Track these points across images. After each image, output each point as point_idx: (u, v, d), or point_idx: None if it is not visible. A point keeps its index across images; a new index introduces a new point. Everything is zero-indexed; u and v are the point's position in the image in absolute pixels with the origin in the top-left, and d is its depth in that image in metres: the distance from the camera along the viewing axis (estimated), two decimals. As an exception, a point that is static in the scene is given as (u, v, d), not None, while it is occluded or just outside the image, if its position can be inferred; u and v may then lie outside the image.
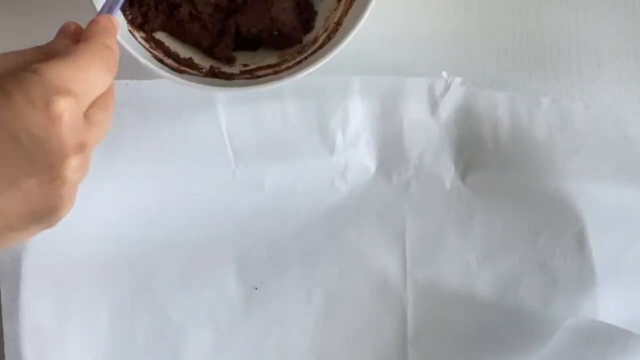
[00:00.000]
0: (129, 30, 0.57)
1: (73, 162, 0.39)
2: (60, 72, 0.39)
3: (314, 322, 0.62)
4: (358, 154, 0.63)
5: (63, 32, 0.45)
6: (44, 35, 0.46)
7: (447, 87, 0.63)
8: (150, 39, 0.59)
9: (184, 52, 0.60)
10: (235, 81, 0.57)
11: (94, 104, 0.42)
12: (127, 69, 0.54)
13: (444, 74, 0.63)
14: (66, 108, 0.38)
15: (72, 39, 0.45)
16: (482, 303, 0.62)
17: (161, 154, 0.61)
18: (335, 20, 0.59)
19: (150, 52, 0.57)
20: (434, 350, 0.62)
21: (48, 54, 0.43)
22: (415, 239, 0.63)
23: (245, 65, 0.60)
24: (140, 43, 0.57)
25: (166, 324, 0.61)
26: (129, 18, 0.58)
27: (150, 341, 0.61)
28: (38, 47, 0.44)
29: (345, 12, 0.59)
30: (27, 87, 0.38)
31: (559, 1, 0.65)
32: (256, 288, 0.62)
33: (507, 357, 0.62)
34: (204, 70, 0.58)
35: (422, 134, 0.63)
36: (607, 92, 0.65)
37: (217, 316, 0.62)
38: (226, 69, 0.59)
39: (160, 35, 0.60)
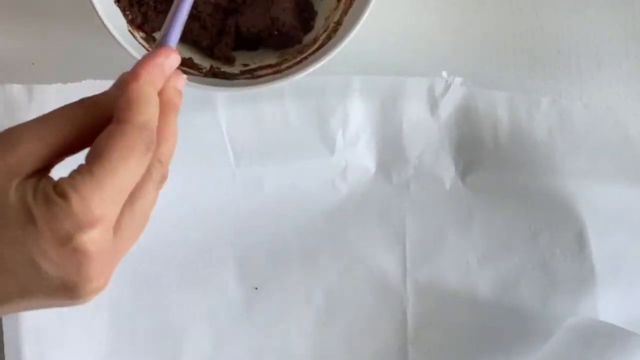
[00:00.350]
0: (129, 30, 0.57)
1: (94, 286, 0.38)
2: (86, 196, 0.36)
3: (314, 322, 0.62)
4: (358, 154, 0.63)
5: (117, 85, 0.41)
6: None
7: (447, 87, 0.63)
8: (150, 39, 0.59)
9: (183, 52, 0.60)
10: (235, 81, 0.57)
11: (124, 205, 0.38)
12: (127, 69, 0.54)
13: (444, 74, 0.63)
14: (92, 242, 0.36)
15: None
16: (482, 303, 0.63)
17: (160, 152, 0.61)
18: (335, 20, 0.59)
19: (150, 52, 0.57)
20: (434, 350, 0.62)
21: (102, 116, 0.39)
22: (415, 238, 0.63)
23: (245, 65, 0.60)
24: (140, 43, 0.57)
25: (166, 324, 0.61)
26: (129, 18, 0.58)
27: (150, 341, 0.61)
28: (83, 105, 0.40)
29: (345, 12, 0.59)
30: (52, 218, 0.36)
31: (559, 1, 0.65)
32: (256, 288, 0.62)
33: (507, 356, 0.62)
34: (204, 71, 0.58)
35: (422, 133, 0.63)
36: (607, 92, 0.65)
37: (217, 316, 0.62)
38: (226, 69, 0.59)
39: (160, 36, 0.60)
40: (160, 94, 0.41)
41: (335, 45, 0.55)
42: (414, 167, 0.64)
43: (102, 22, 0.52)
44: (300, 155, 0.62)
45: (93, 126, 0.39)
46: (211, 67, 0.59)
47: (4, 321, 0.59)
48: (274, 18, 0.60)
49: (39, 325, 0.59)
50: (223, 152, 0.62)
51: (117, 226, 0.38)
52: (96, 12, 0.52)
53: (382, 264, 0.63)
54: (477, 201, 0.63)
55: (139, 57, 0.52)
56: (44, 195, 0.36)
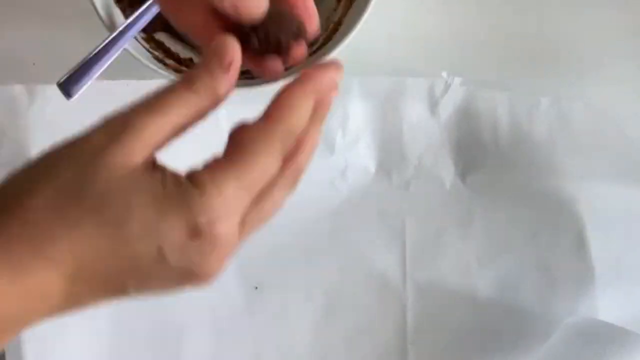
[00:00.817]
0: (129, 31, 0.57)
1: (212, 275, 0.36)
2: (227, 198, 0.35)
3: (313, 322, 0.63)
4: (358, 154, 0.63)
5: (217, 58, 0.40)
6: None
7: (447, 88, 0.63)
8: (150, 40, 0.59)
9: (184, 52, 0.60)
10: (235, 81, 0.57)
11: (252, 201, 0.37)
12: (128, 69, 0.54)
13: (444, 74, 0.63)
14: (222, 236, 0.35)
15: (230, 71, 0.40)
16: (481, 302, 0.63)
17: (161, 153, 0.61)
18: (335, 20, 0.59)
19: (151, 52, 0.57)
20: (434, 349, 0.62)
21: (212, 100, 0.40)
22: (415, 238, 0.63)
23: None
24: (141, 43, 0.57)
25: (167, 324, 0.62)
26: (130, 18, 0.58)
27: (150, 340, 0.61)
28: (191, 86, 0.39)
29: (345, 13, 0.59)
30: (187, 210, 0.34)
31: (559, 2, 0.65)
32: (256, 287, 0.62)
33: (506, 355, 0.62)
34: (204, 71, 0.58)
35: (422, 134, 0.63)
36: (607, 93, 0.65)
37: (217, 315, 0.62)
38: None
39: (160, 36, 0.60)
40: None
41: (335, 46, 0.55)
42: (414, 167, 0.64)
43: (103, 23, 0.52)
44: (300, 155, 0.62)
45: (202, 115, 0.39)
46: (212, 67, 0.59)
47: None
48: (274, 18, 0.60)
49: (39, 325, 0.59)
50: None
51: (242, 221, 0.37)
52: (97, 12, 0.53)
53: (382, 263, 0.63)
54: (477, 201, 0.64)
55: (140, 58, 0.52)
56: (177, 185, 0.35)
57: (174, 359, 0.61)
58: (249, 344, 0.62)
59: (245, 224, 0.37)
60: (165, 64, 0.56)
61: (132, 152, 0.35)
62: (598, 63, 0.65)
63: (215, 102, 0.40)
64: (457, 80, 0.63)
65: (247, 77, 0.58)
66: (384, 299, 0.63)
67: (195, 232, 0.34)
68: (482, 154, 0.64)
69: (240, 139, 0.38)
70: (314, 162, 0.61)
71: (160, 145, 0.37)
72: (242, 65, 0.40)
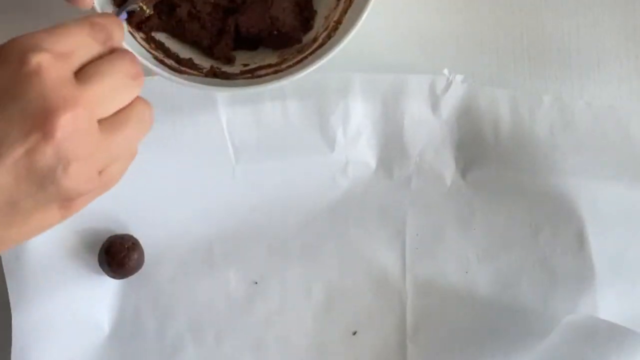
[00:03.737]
0: (129, 31, 0.57)
1: (60, 119, 0.36)
2: (38, 35, 0.38)
3: (313, 317, 0.63)
4: (359, 151, 0.63)
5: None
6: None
7: (448, 85, 0.63)
8: (150, 40, 0.59)
9: (184, 52, 0.60)
10: (235, 81, 0.57)
11: (89, 63, 0.40)
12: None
13: (446, 71, 0.63)
14: (42, 62, 0.37)
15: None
16: (481, 299, 0.63)
17: (162, 152, 0.61)
18: (335, 19, 0.59)
19: (150, 52, 0.57)
20: (433, 346, 0.62)
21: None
22: (416, 235, 0.63)
23: (245, 65, 0.60)
24: (140, 44, 0.57)
25: (168, 318, 0.62)
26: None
27: (151, 335, 0.62)
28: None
29: (344, 11, 0.59)
30: (2, 49, 0.38)
31: (560, 1, 0.65)
32: (256, 282, 0.63)
33: (506, 353, 0.62)
34: (204, 71, 0.58)
35: (423, 131, 0.63)
36: (607, 92, 0.65)
37: (218, 310, 0.62)
38: (226, 68, 0.59)
39: (160, 36, 0.60)
40: None
41: (335, 45, 0.55)
42: (415, 163, 0.64)
43: None
44: (301, 152, 0.63)
45: None
46: (211, 67, 0.59)
47: (12, 316, 0.59)
48: (274, 18, 0.60)
49: (45, 320, 0.60)
50: (224, 149, 0.62)
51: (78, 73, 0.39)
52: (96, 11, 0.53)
53: (382, 259, 0.63)
54: (478, 198, 0.64)
55: (140, 58, 0.52)
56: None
57: (174, 354, 0.62)
58: (249, 338, 0.62)
59: (83, 77, 0.39)
60: (164, 64, 0.56)
61: None
62: (598, 63, 0.65)
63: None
64: (459, 77, 0.63)
65: (247, 77, 0.58)
66: (383, 294, 0.63)
67: (16, 65, 0.37)
68: (483, 152, 0.63)
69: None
70: (315, 159, 0.62)
71: None
72: None
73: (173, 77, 0.54)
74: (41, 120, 0.36)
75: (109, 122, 0.40)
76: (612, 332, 0.57)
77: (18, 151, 0.36)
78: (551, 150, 0.63)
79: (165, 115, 0.61)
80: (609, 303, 0.62)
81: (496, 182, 0.63)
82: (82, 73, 0.39)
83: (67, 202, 0.39)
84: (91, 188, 0.40)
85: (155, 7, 0.59)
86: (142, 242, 0.61)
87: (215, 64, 0.59)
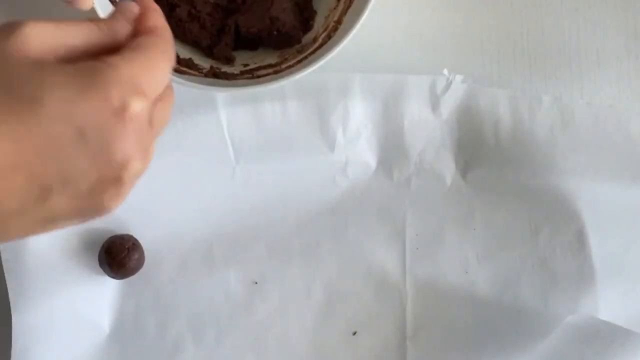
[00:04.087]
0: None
1: (136, 166, 0.37)
2: (136, 71, 0.36)
3: (313, 317, 0.63)
4: (359, 151, 0.63)
5: (124, 14, 0.41)
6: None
7: (448, 85, 0.63)
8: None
9: (184, 52, 0.60)
10: (235, 81, 0.57)
11: (156, 102, 0.39)
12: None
13: (446, 71, 0.63)
14: (141, 110, 0.36)
15: (133, 25, 0.41)
16: (481, 300, 0.63)
17: (162, 152, 0.61)
18: (335, 19, 0.59)
19: (150, 52, 0.57)
20: (433, 346, 0.62)
21: (113, 38, 0.39)
22: (416, 235, 0.63)
23: (245, 65, 0.60)
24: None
25: (167, 317, 0.62)
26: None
27: (151, 335, 0.62)
28: (98, 25, 0.39)
29: (344, 11, 0.59)
30: (103, 84, 0.35)
31: (560, 1, 0.65)
32: (256, 282, 0.63)
33: (506, 353, 0.62)
34: (204, 71, 0.58)
35: (423, 131, 0.63)
36: (607, 92, 0.65)
37: (217, 310, 0.62)
38: (226, 69, 0.59)
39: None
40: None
41: (335, 45, 0.55)
42: (414, 163, 0.64)
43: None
44: (301, 152, 0.63)
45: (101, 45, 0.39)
46: (211, 67, 0.59)
47: (12, 315, 0.59)
48: (274, 18, 0.60)
49: (46, 320, 0.60)
50: (224, 149, 0.62)
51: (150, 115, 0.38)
52: (96, 13, 0.53)
53: (382, 259, 0.63)
54: (478, 198, 0.64)
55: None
56: (95, 65, 0.36)
57: (174, 354, 0.62)
58: (249, 338, 0.62)
59: (153, 120, 0.38)
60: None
61: (28, 40, 0.35)
62: (598, 63, 0.65)
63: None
64: (459, 77, 0.63)
65: (247, 77, 0.58)
66: (383, 294, 0.63)
67: (116, 107, 0.35)
68: (483, 151, 0.63)
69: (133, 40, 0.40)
70: (315, 159, 0.62)
71: (60, 49, 0.37)
72: None
73: (173, 78, 0.54)
74: (120, 168, 0.36)
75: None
76: (612, 332, 0.57)
77: (85, 187, 0.36)
78: (551, 150, 0.63)
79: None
80: (609, 303, 0.62)
81: (496, 182, 0.63)
82: (153, 115, 0.39)
83: (94, 217, 0.39)
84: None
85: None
86: (142, 242, 0.61)
87: (215, 64, 0.59)
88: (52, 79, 0.34)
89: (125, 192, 0.38)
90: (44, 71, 0.35)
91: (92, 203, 0.37)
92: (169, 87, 0.40)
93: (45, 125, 0.34)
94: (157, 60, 0.38)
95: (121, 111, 0.35)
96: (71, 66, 0.35)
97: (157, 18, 0.42)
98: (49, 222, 0.37)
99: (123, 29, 0.40)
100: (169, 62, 0.40)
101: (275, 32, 0.60)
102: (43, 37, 0.36)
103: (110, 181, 0.36)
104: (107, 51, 0.38)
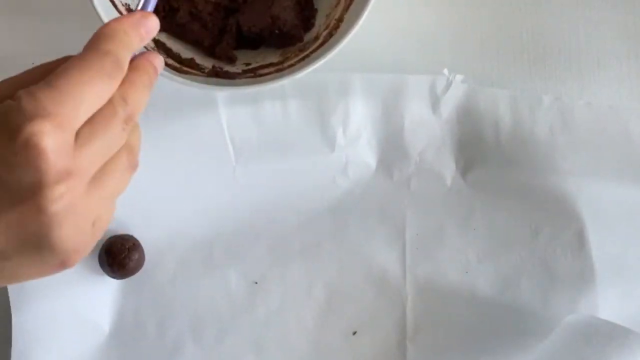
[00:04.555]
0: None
1: (54, 193, 0.35)
2: (39, 95, 0.35)
3: (313, 317, 0.63)
4: (359, 151, 0.63)
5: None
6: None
7: (448, 85, 0.63)
8: (151, 40, 0.59)
9: (185, 52, 0.60)
10: (237, 80, 0.57)
11: (88, 121, 0.37)
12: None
13: (446, 71, 0.63)
14: (40, 134, 0.34)
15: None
16: (481, 299, 0.63)
17: (162, 152, 0.61)
18: (337, 17, 0.59)
19: (151, 52, 0.57)
20: (433, 346, 0.62)
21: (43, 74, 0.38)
22: (416, 235, 0.63)
23: (247, 65, 0.60)
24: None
25: (167, 317, 0.62)
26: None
27: (152, 335, 0.62)
28: (43, 65, 0.39)
29: (346, 9, 0.59)
30: (2, 115, 0.35)
31: (560, 1, 0.65)
32: (256, 282, 0.63)
33: (506, 353, 0.62)
34: (206, 70, 0.58)
35: (424, 131, 0.63)
36: (607, 92, 0.65)
37: (218, 310, 0.62)
38: (228, 68, 0.59)
39: (161, 36, 0.60)
40: (133, 60, 0.41)
41: (336, 43, 0.55)
42: (415, 163, 0.64)
43: (102, 22, 0.52)
44: (301, 152, 0.63)
45: None
46: (213, 66, 0.59)
47: (12, 315, 0.59)
48: (275, 17, 0.60)
49: (45, 320, 0.60)
50: (224, 149, 0.62)
51: (77, 134, 0.37)
52: (97, 13, 0.53)
53: (382, 259, 0.63)
54: (478, 198, 0.64)
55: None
56: (2, 103, 0.36)
57: (174, 354, 0.62)
58: (250, 338, 0.62)
59: (81, 140, 0.37)
60: (166, 64, 0.56)
61: None
62: (598, 63, 0.65)
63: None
64: (459, 77, 0.63)
65: (249, 76, 0.58)
66: (384, 294, 0.63)
67: (13, 133, 0.34)
68: (483, 152, 0.63)
69: (58, 67, 0.38)
70: (315, 159, 0.62)
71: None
72: None
73: (175, 78, 0.54)
74: (34, 194, 0.35)
75: (97, 179, 0.39)
76: (612, 332, 0.57)
77: (9, 217, 0.36)
78: (551, 150, 0.63)
79: (165, 115, 0.61)
80: (610, 303, 0.62)
81: (496, 182, 0.63)
82: (81, 135, 0.37)
83: (64, 260, 0.38)
84: (88, 241, 0.39)
85: (155, 7, 0.59)
86: (142, 242, 0.61)
87: (217, 64, 0.59)
88: None
89: (61, 221, 0.36)
90: None
91: (32, 239, 0.36)
92: (109, 105, 0.39)
93: None
94: (76, 78, 0.37)
95: (19, 138, 0.34)
96: None
97: (96, 35, 0.40)
98: (4, 259, 0.37)
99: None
100: (100, 79, 0.38)
101: (276, 31, 0.60)
102: None
103: (32, 212, 0.36)
104: None
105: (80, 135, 0.37)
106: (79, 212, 0.37)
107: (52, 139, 0.35)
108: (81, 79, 0.37)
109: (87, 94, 0.37)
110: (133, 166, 0.41)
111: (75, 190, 0.37)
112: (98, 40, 0.39)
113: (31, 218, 0.36)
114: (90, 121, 0.37)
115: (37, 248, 0.37)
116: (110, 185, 0.39)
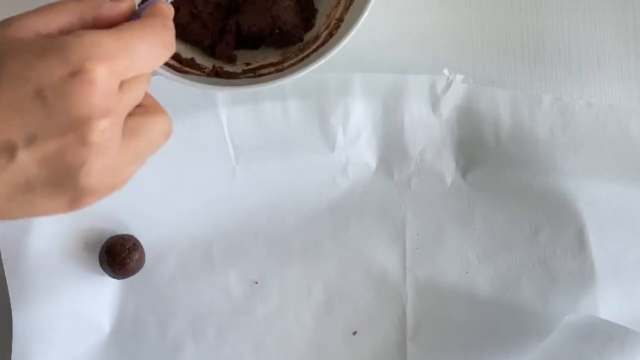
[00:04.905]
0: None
1: (98, 125, 0.38)
2: (101, 40, 0.38)
3: (313, 317, 0.63)
4: (359, 151, 0.63)
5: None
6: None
7: (448, 85, 0.63)
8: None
9: (185, 52, 0.60)
10: (238, 80, 0.57)
11: (136, 77, 0.41)
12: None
13: (446, 71, 0.63)
14: (100, 75, 0.37)
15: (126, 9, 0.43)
16: (481, 299, 0.63)
17: (162, 152, 0.61)
18: (337, 17, 0.59)
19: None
20: (433, 346, 0.62)
21: (95, 15, 0.42)
22: (416, 235, 0.63)
23: (247, 64, 0.60)
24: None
25: (167, 317, 0.62)
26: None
27: (152, 335, 0.62)
28: (82, 4, 0.42)
29: (346, 9, 0.59)
30: (63, 49, 0.37)
31: (560, 1, 0.65)
32: (256, 282, 0.63)
33: (506, 353, 0.62)
34: (206, 70, 0.58)
35: (424, 131, 0.63)
36: (607, 92, 0.65)
37: (217, 310, 0.62)
38: (228, 68, 0.59)
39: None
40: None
41: (336, 43, 0.55)
42: (415, 163, 0.64)
43: None
44: (301, 152, 0.63)
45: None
46: (213, 66, 0.59)
47: (13, 316, 0.59)
48: (275, 16, 0.60)
49: (45, 321, 0.60)
50: (224, 149, 0.62)
51: (123, 83, 0.40)
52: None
53: (382, 259, 0.63)
54: (478, 198, 0.64)
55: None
56: (53, 36, 0.39)
57: (174, 354, 0.62)
58: (249, 338, 0.62)
59: (125, 88, 0.40)
60: (166, 64, 0.56)
61: (12, 26, 0.39)
62: (598, 63, 0.65)
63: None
64: (459, 77, 0.63)
65: (249, 76, 0.58)
66: (384, 294, 0.63)
67: (74, 69, 0.37)
68: (483, 151, 0.63)
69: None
70: (315, 159, 0.62)
71: (42, 30, 0.40)
72: None
73: (175, 77, 0.54)
74: (81, 125, 0.37)
75: (134, 131, 0.41)
76: (612, 332, 0.57)
77: (50, 145, 0.37)
78: (551, 150, 0.63)
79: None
80: (609, 303, 0.62)
81: (496, 182, 0.63)
82: (126, 85, 0.40)
83: (77, 198, 0.40)
84: (104, 189, 0.41)
85: None
86: (142, 242, 0.61)
87: (217, 64, 0.59)
88: (19, 47, 0.38)
89: (95, 158, 0.39)
90: (14, 43, 0.38)
91: (64, 170, 0.38)
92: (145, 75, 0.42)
93: (5, 86, 0.37)
94: (138, 36, 0.40)
95: (80, 73, 0.37)
96: (41, 38, 0.39)
97: (153, 10, 0.43)
98: (23, 190, 0.38)
99: (112, 9, 0.42)
100: (162, 45, 0.42)
101: (276, 31, 0.60)
102: (26, 22, 0.39)
103: (75, 141, 0.38)
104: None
105: (125, 83, 0.40)
106: (111, 154, 0.39)
107: (105, 79, 0.38)
108: (145, 40, 0.40)
109: (145, 55, 0.40)
110: (168, 134, 0.44)
111: (116, 130, 0.39)
112: (163, 16, 0.43)
113: (71, 147, 0.38)
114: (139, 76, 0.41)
115: (61, 178, 0.39)
116: (145, 141, 0.42)
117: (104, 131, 0.38)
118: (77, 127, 0.37)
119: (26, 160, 0.37)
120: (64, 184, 0.39)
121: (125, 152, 0.41)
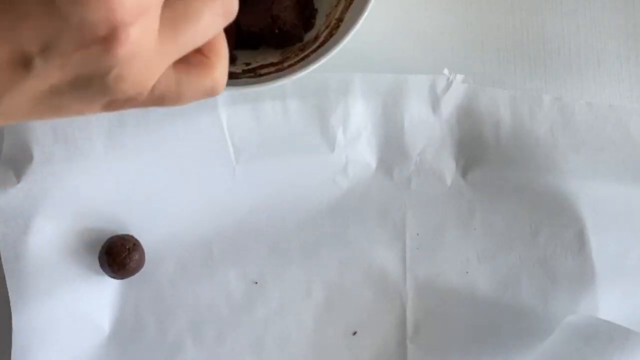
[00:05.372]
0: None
1: (127, 35, 0.32)
2: None
3: (313, 317, 0.63)
4: (359, 151, 0.63)
5: None
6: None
7: (448, 85, 0.63)
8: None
9: (188, 52, 0.60)
10: (237, 80, 0.57)
11: None
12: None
13: (446, 71, 0.63)
14: None
15: None
16: (481, 300, 0.63)
17: (162, 152, 0.61)
18: (337, 16, 0.59)
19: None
20: (434, 346, 0.62)
21: None
22: (416, 235, 0.63)
23: (247, 64, 0.60)
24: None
25: (167, 317, 0.62)
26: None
27: (152, 335, 0.62)
28: None
29: (346, 9, 0.59)
30: None
31: (560, 1, 0.65)
32: (256, 282, 0.63)
33: (506, 353, 0.62)
34: (206, 70, 0.58)
35: (424, 131, 0.63)
36: (607, 92, 0.65)
37: (217, 310, 0.62)
38: (228, 68, 0.59)
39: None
40: None
41: (336, 43, 0.56)
42: (415, 163, 0.64)
43: None
44: (301, 152, 0.63)
45: None
46: (213, 66, 0.59)
47: (13, 316, 0.59)
48: (275, 16, 0.60)
49: (46, 320, 0.60)
50: (224, 149, 0.62)
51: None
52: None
53: (382, 259, 0.63)
54: (478, 198, 0.64)
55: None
56: None
57: (174, 354, 0.62)
58: (249, 338, 0.62)
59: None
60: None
61: None
62: (598, 63, 0.65)
63: None
64: (459, 77, 0.63)
65: (249, 76, 0.58)
66: (384, 294, 0.63)
67: None
68: (483, 151, 0.63)
69: None
70: (315, 159, 0.62)
71: None
72: None
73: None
74: (103, 34, 0.32)
75: (176, 22, 0.35)
76: (613, 332, 0.57)
77: (69, 54, 0.32)
78: (551, 150, 0.63)
79: (165, 115, 0.61)
80: (610, 303, 0.62)
81: (496, 182, 0.63)
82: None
83: (112, 102, 0.36)
84: (140, 98, 0.36)
85: None
86: (142, 242, 0.61)
87: (217, 64, 0.59)
88: None
89: (125, 66, 0.33)
90: None
91: (92, 69, 0.33)
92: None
93: None
94: None
95: None
96: None
97: None
98: (49, 95, 0.34)
99: None
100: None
101: (276, 31, 0.60)
102: None
103: (98, 52, 0.32)
104: None
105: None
106: (146, 56, 0.34)
107: None
108: None
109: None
110: (229, 12, 0.38)
111: (150, 31, 0.34)
112: None
113: (95, 58, 0.33)
114: None
115: (90, 86, 0.34)
116: (192, 32, 0.36)
117: (134, 41, 0.32)
118: (97, 39, 0.32)
119: (45, 68, 0.33)
120: (94, 90, 0.35)
121: (167, 49, 0.35)
